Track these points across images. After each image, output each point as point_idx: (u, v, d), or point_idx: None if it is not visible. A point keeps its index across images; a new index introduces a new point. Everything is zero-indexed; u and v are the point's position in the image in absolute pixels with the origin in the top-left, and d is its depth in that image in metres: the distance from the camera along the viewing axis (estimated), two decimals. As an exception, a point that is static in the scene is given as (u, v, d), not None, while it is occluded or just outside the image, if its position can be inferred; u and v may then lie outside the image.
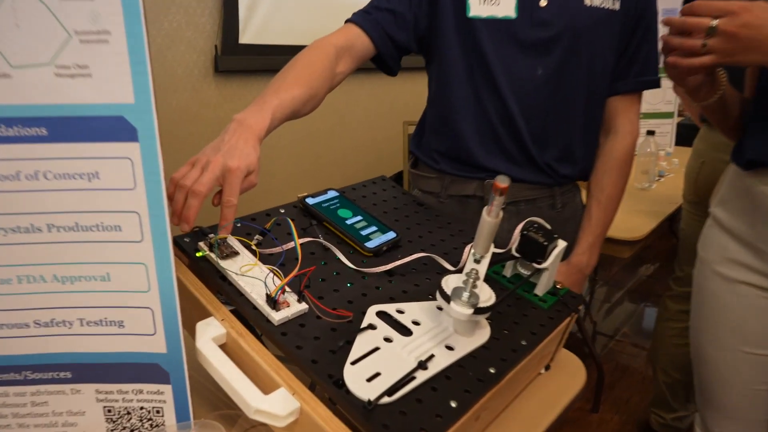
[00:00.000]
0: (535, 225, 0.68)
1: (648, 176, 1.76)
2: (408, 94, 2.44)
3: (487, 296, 0.57)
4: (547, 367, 0.71)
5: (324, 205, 0.75)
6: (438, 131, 0.93)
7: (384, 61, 0.90)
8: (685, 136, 2.24)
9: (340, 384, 0.49)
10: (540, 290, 0.68)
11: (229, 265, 0.59)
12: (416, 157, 0.99)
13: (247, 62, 1.87)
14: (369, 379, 0.50)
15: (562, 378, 0.71)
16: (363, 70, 2.25)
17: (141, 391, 0.52)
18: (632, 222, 1.47)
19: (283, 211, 0.72)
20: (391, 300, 0.62)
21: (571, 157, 0.90)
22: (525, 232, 0.66)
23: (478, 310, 0.55)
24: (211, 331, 0.54)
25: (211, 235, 0.62)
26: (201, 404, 0.63)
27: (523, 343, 0.60)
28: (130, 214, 0.47)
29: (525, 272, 0.69)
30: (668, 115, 2.08)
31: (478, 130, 0.88)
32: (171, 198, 0.60)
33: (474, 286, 0.55)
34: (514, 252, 0.68)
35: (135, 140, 0.45)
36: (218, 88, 1.84)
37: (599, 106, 0.90)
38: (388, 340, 0.55)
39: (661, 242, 3.02)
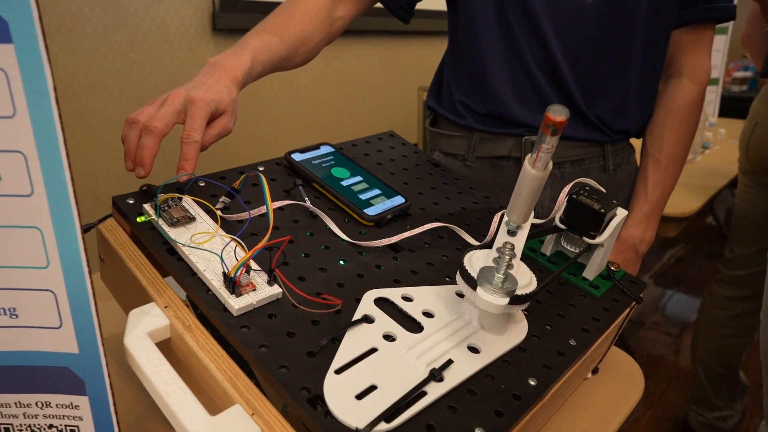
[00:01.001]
0: (587, 188, 0.52)
1: (692, 147, 1.57)
2: (423, 59, 2.26)
3: (526, 280, 0.42)
4: (595, 371, 0.56)
5: (315, 162, 0.60)
6: (463, 82, 0.77)
7: (388, 6, 0.75)
8: (725, 108, 2.04)
9: (318, 402, 0.35)
10: (590, 273, 0.52)
11: (179, 234, 0.44)
12: (435, 113, 0.82)
13: (248, 20, 1.71)
14: (360, 396, 0.35)
15: (615, 384, 0.56)
16: (375, 33, 2.04)
17: (48, 404, 0.38)
18: (676, 196, 1.30)
19: (262, 168, 0.57)
20: (396, 283, 0.47)
21: (626, 108, 0.73)
22: (574, 197, 0.50)
23: (516, 299, 0.40)
24: (147, 323, 0.40)
25: (161, 195, 0.47)
26: (154, 416, 0.49)
27: (572, 342, 0.45)
28: (10, 154, 0.32)
29: (571, 249, 0.53)
30: (713, 82, 1.87)
31: (512, 78, 0.71)
32: (124, 139, 0.50)
33: (509, 265, 0.39)
34: (558, 223, 0.52)
35: (7, 41, 0.30)
36: (216, 47, 1.68)
37: (662, 44, 0.73)
38: (389, 338, 0.40)
39: (692, 221, 2.82)
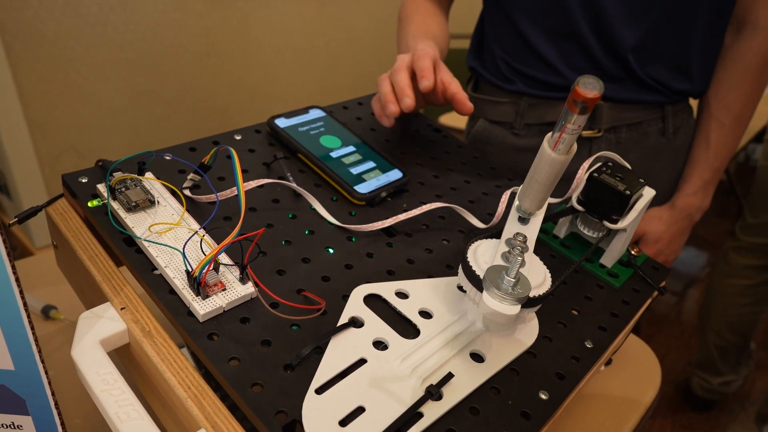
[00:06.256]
0: (610, 163, 0.45)
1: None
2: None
3: (540, 278, 0.36)
4: (609, 362, 0.51)
5: (301, 129, 0.53)
6: (505, 39, 0.68)
7: None
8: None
9: (295, 429, 0.30)
10: (609, 260, 0.47)
11: (138, 222, 0.38)
12: (478, 76, 0.74)
13: (235, -41, 1.58)
14: (344, 421, 0.30)
15: (630, 377, 0.51)
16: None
17: (-13, 423, 0.33)
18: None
19: (239, 137, 0.51)
20: (390, 275, 0.41)
21: (687, 69, 0.64)
22: (594, 174, 0.44)
23: (529, 303, 0.34)
24: (100, 328, 0.34)
25: (118, 173, 0.40)
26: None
27: (588, 345, 0.40)
28: None
29: (589, 233, 0.47)
30: None
31: (557, 41, 0.63)
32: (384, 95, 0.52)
33: (521, 263, 0.33)
34: (575, 204, 0.46)
35: None
36: (203, -10, 1.56)
37: None
38: (379, 344, 0.35)
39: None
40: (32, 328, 0.29)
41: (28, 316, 0.29)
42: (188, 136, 1.71)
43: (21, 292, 0.28)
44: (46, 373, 0.31)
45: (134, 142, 1.55)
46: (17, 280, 0.28)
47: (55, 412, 0.32)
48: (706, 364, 1.36)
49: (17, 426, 0.33)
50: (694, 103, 0.72)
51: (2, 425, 0.33)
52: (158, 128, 1.59)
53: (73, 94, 1.41)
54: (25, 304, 0.29)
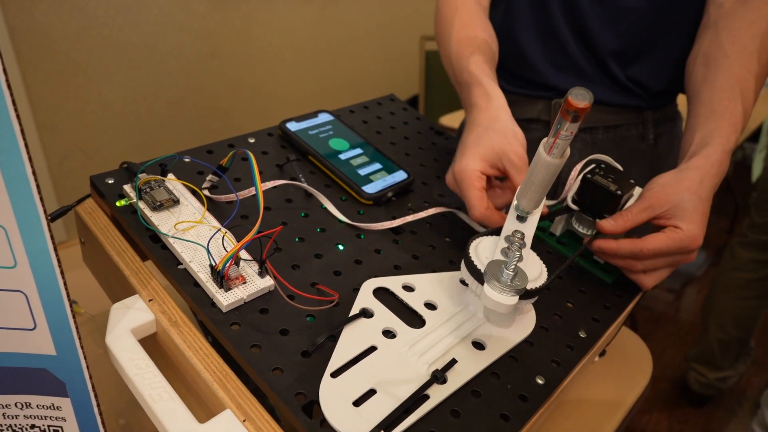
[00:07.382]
0: (602, 165, 0.48)
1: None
2: (426, 5, 2.14)
3: (537, 271, 0.39)
4: (602, 353, 0.54)
5: (311, 132, 0.56)
6: (500, 38, 0.71)
7: None
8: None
9: (313, 409, 0.33)
10: (603, 256, 0.49)
11: (163, 220, 0.41)
12: None
13: (239, -38, 1.61)
14: (357, 402, 0.33)
15: (622, 368, 0.54)
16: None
17: (28, 405, 0.36)
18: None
19: (252, 140, 0.53)
20: (397, 270, 0.44)
21: (670, 70, 0.65)
22: (588, 176, 0.47)
23: (525, 294, 0.37)
24: (131, 318, 0.37)
25: (143, 175, 0.43)
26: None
27: (582, 335, 0.43)
28: (-38, 145, 0.28)
29: (583, 231, 0.50)
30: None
31: (542, 40, 0.66)
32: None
33: (519, 257, 0.36)
34: (569, 203, 0.49)
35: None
36: (207, -7, 1.59)
37: None
38: (388, 334, 0.38)
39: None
40: (74, 316, 0.32)
41: (70, 305, 0.32)
42: (191, 136, 1.74)
43: (65, 283, 0.31)
44: (85, 357, 0.33)
45: (139, 142, 1.58)
46: (62, 272, 0.31)
47: (92, 394, 0.35)
48: (705, 358, 1.39)
49: (57, 407, 0.35)
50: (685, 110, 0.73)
51: (44, 406, 0.35)
52: (162, 129, 1.62)
53: (79, 96, 1.44)
54: (67, 293, 0.32)
